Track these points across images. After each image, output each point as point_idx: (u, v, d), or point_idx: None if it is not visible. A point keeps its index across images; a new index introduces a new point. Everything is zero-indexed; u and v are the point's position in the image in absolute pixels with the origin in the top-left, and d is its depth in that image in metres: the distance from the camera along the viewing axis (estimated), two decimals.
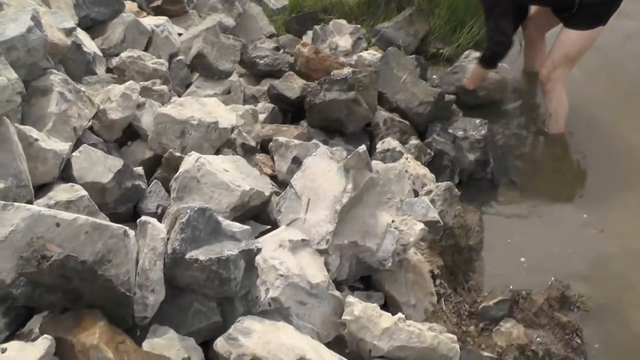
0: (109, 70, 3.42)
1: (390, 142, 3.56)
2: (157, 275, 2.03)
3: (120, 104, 2.86)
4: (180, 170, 2.58)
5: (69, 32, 3.07)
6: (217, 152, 2.95)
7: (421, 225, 2.79)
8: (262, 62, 4.27)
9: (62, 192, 2.32)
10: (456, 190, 3.36)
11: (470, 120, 4.18)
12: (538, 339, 3.16)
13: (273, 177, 3.09)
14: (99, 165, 2.53)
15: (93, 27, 3.67)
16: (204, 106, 2.99)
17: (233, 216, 2.50)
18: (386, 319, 2.39)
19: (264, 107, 3.81)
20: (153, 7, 4.40)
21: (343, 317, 2.37)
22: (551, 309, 3.31)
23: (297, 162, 3.01)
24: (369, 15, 5.34)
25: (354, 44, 4.77)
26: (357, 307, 2.37)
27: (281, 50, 4.64)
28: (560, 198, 4.07)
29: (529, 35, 4.74)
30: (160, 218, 2.44)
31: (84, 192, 2.31)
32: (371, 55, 4.43)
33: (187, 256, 2.02)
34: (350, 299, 2.42)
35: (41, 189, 2.34)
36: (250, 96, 4.02)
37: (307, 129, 3.63)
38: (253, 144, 3.26)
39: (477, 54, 4.61)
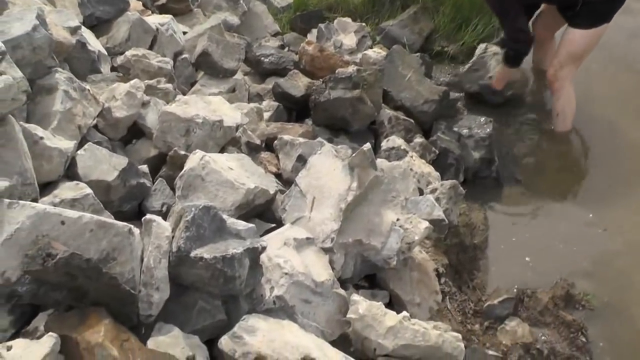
0: (113, 68, 3.42)
1: (395, 141, 3.56)
2: (161, 273, 2.04)
3: (125, 102, 2.86)
4: (185, 168, 2.58)
5: (73, 30, 3.08)
6: (222, 150, 2.95)
7: (426, 224, 2.79)
8: (266, 60, 4.27)
9: (67, 190, 2.32)
10: (461, 188, 3.35)
11: (475, 119, 4.18)
12: (543, 338, 3.15)
13: (278, 176, 3.09)
14: (103, 163, 2.53)
15: (98, 25, 3.67)
16: (209, 104, 2.99)
17: (238, 214, 2.50)
18: (391, 318, 2.39)
19: (269, 105, 3.80)
20: (158, 6, 4.40)
21: (348, 316, 2.37)
22: (556, 307, 3.30)
23: (302, 160, 3.01)
24: (374, 14, 5.34)
25: (359, 42, 4.77)
26: (362, 305, 2.37)
27: (286, 49, 4.64)
28: (565, 197, 4.06)
29: (539, 35, 4.72)
30: (165, 216, 2.44)
31: (88, 190, 2.31)
32: (376, 53, 4.43)
33: (192, 254, 2.02)
34: (355, 297, 2.42)
35: (46, 187, 2.34)
36: (255, 94, 4.02)
37: (311, 127, 3.62)
38: (258, 142, 3.26)
39: (494, 48, 4.59)
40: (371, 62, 4.31)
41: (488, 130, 4.04)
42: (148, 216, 2.15)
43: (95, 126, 2.80)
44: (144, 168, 2.73)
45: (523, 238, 3.72)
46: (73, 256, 1.81)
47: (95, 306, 1.92)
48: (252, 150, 3.19)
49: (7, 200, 1.94)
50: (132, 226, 2.07)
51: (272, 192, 2.69)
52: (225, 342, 2.03)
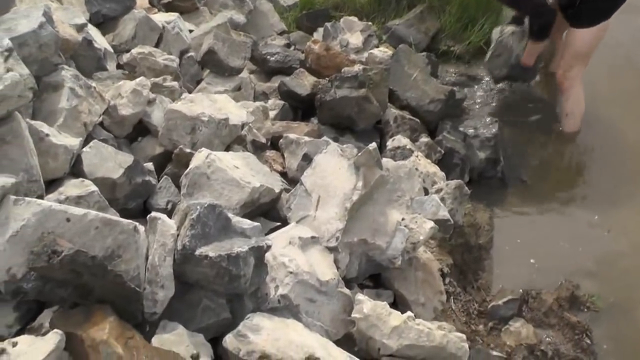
0: (119, 66, 3.42)
1: (400, 140, 3.55)
2: (166, 271, 2.04)
3: (130, 100, 2.86)
4: (190, 166, 2.58)
5: (80, 28, 3.08)
6: (228, 148, 2.95)
7: (431, 224, 2.79)
8: (272, 58, 4.26)
9: (72, 187, 2.32)
10: (466, 188, 3.35)
11: (480, 118, 4.17)
12: (547, 339, 3.15)
13: (283, 174, 3.09)
14: (109, 160, 2.53)
15: (104, 23, 3.67)
16: (215, 103, 2.99)
17: (243, 213, 2.50)
18: (395, 318, 2.39)
19: (275, 103, 3.80)
20: (164, 4, 4.39)
21: (352, 315, 2.37)
22: (561, 308, 3.29)
23: (307, 159, 3.00)
24: (380, 13, 5.33)
25: (365, 41, 4.77)
26: (367, 305, 2.37)
27: (292, 47, 4.64)
28: (570, 197, 4.05)
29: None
30: (170, 214, 2.44)
31: (94, 188, 2.31)
32: (382, 52, 4.43)
33: (197, 252, 2.02)
34: (360, 297, 2.42)
35: (52, 184, 2.34)
36: (261, 93, 4.02)
37: (317, 126, 3.62)
38: (263, 140, 3.26)
39: (510, 28, 4.56)
40: (377, 61, 4.30)
41: (494, 130, 4.04)
42: (153, 214, 2.15)
43: (101, 124, 2.80)
44: (150, 166, 2.73)
45: (528, 239, 3.71)
46: (78, 253, 1.81)
47: (100, 303, 1.92)
48: (258, 148, 3.19)
49: (13, 197, 1.95)
50: (137, 224, 2.07)
51: (277, 190, 2.69)
52: (229, 341, 2.03)
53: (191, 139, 2.83)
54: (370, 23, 5.00)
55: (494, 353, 2.94)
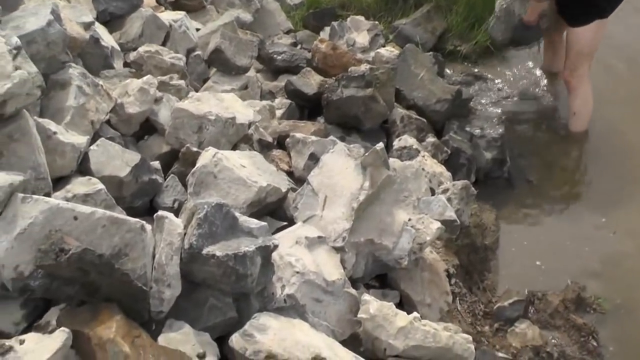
0: (126, 64, 3.42)
1: (407, 140, 3.55)
2: (173, 270, 2.04)
3: (137, 98, 2.86)
4: (197, 165, 2.58)
5: (87, 26, 3.08)
6: (234, 147, 2.94)
7: (438, 224, 2.79)
8: (279, 57, 4.26)
9: (79, 185, 2.32)
10: (473, 189, 3.34)
11: (487, 119, 4.17)
12: (553, 341, 3.15)
13: (289, 174, 3.08)
14: (116, 159, 2.53)
15: (111, 21, 3.67)
16: (222, 101, 2.99)
17: (249, 212, 2.50)
18: (402, 318, 2.38)
19: (281, 103, 3.80)
20: (171, 2, 4.40)
21: (358, 315, 2.36)
22: (567, 310, 3.29)
23: (314, 158, 3.00)
24: (387, 12, 5.32)
25: (372, 41, 4.76)
26: (373, 305, 2.37)
27: (298, 46, 4.63)
28: (576, 198, 4.05)
29: (548, 36, 4.72)
30: (176, 212, 2.44)
31: (101, 186, 2.32)
32: (389, 52, 4.42)
33: (204, 251, 2.02)
34: (366, 297, 2.41)
35: (59, 182, 2.34)
36: (268, 92, 4.01)
37: (324, 126, 3.61)
38: (270, 139, 3.25)
39: None
40: (384, 60, 4.29)
41: (500, 130, 4.04)
42: (160, 213, 2.15)
43: (108, 122, 2.80)
44: (156, 164, 2.73)
45: (534, 240, 3.71)
46: (86, 251, 1.81)
47: (107, 302, 1.92)
48: (264, 147, 3.19)
49: (20, 195, 1.95)
50: (144, 222, 2.07)
51: (284, 190, 2.68)
52: (236, 340, 2.03)
53: (198, 138, 2.83)
54: (377, 22, 4.99)
55: (500, 354, 2.94)
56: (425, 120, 3.91)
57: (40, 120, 2.33)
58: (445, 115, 4.05)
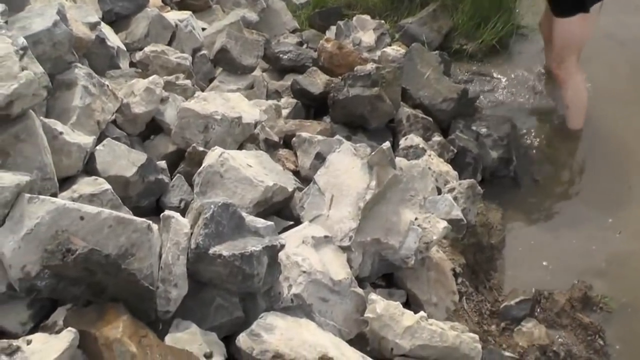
0: (132, 64, 3.42)
1: (413, 139, 3.54)
2: (180, 270, 2.04)
3: (143, 98, 2.86)
4: (203, 165, 2.58)
5: (93, 26, 3.08)
6: (240, 147, 2.94)
7: (444, 223, 2.78)
8: (285, 57, 4.25)
9: (85, 185, 2.32)
10: (479, 188, 3.33)
11: (493, 117, 4.15)
12: (560, 340, 3.14)
13: (296, 173, 3.08)
14: (122, 158, 2.53)
15: (117, 21, 3.67)
16: (228, 101, 2.99)
17: (256, 212, 2.50)
18: (408, 318, 2.38)
19: (287, 102, 3.80)
20: (177, 2, 4.39)
21: (365, 315, 2.36)
22: (573, 309, 3.28)
23: (320, 158, 2.99)
24: (393, 11, 5.31)
25: (378, 40, 4.75)
26: (380, 305, 2.37)
27: (304, 46, 4.62)
28: (583, 198, 4.03)
29: (545, 33, 4.71)
30: (183, 212, 2.44)
31: (107, 186, 2.32)
32: (395, 51, 4.42)
33: (211, 251, 2.02)
34: (373, 296, 2.41)
35: (65, 182, 2.34)
36: (274, 91, 4.01)
37: (330, 125, 3.61)
38: (276, 139, 3.25)
39: None
40: (390, 59, 4.29)
41: (506, 129, 4.03)
42: (167, 212, 2.15)
43: (114, 122, 2.80)
44: (162, 164, 2.73)
45: (540, 239, 3.71)
46: (92, 252, 1.82)
47: (113, 302, 1.92)
48: (270, 147, 3.19)
49: (27, 195, 1.95)
50: (150, 222, 2.07)
51: (290, 189, 2.68)
52: (243, 340, 2.03)
53: (204, 138, 2.83)
54: (382, 21, 4.97)
55: (506, 354, 2.94)
56: (431, 119, 3.90)
57: (46, 120, 2.33)
58: (451, 114, 4.04)
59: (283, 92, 4.01)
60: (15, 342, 1.75)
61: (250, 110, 3.00)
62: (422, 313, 2.44)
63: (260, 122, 3.07)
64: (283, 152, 3.22)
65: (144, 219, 2.06)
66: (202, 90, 3.41)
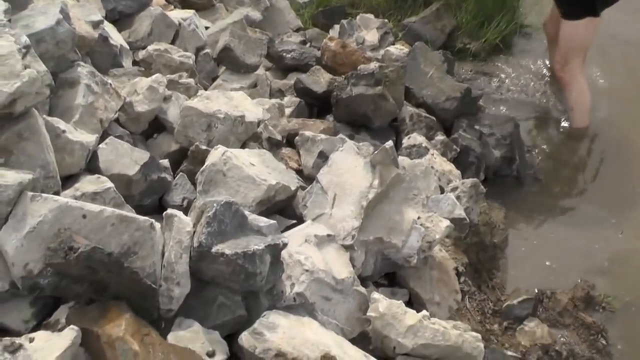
0: (135, 63, 3.42)
1: (416, 138, 3.54)
2: (182, 268, 2.04)
3: (146, 96, 2.86)
4: (206, 163, 2.58)
5: (96, 24, 3.08)
6: (243, 145, 2.94)
7: (447, 223, 2.78)
8: (288, 56, 4.25)
9: (88, 183, 2.32)
10: (482, 187, 3.33)
11: (496, 117, 4.15)
12: (562, 339, 3.14)
13: (299, 172, 3.08)
14: (125, 157, 2.53)
15: (120, 20, 3.67)
16: (231, 100, 2.99)
17: (259, 210, 2.50)
18: (411, 317, 2.38)
19: (290, 101, 3.79)
20: (180, 1, 4.39)
21: (368, 314, 2.36)
22: (576, 309, 3.28)
23: (323, 156, 2.99)
24: (396, 10, 5.31)
25: (381, 39, 4.75)
26: (382, 303, 2.36)
27: (308, 44, 4.62)
28: (585, 197, 4.04)
29: (550, 33, 4.71)
30: (185, 211, 2.45)
31: (110, 184, 2.31)
32: (398, 50, 4.41)
33: (213, 250, 2.02)
34: (376, 295, 2.41)
35: (67, 180, 2.34)
36: (277, 90, 4.01)
37: (333, 124, 3.60)
38: (279, 138, 3.25)
39: None
40: (393, 58, 4.28)
41: (509, 128, 4.02)
42: (169, 211, 2.15)
43: (117, 120, 2.80)
44: (165, 162, 2.73)
45: (543, 238, 3.71)
46: (95, 250, 1.82)
47: (116, 300, 1.92)
48: (273, 146, 3.19)
49: (30, 193, 1.95)
50: (153, 221, 2.07)
51: (293, 188, 2.68)
52: (245, 338, 2.03)
53: (207, 136, 2.83)
54: (386, 20, 4.98)
55: (509, 353, 2.93)
56: (434, 118, 3.90)
57: (49, 118, 2.33)
58: (454, 113, 4.03)
59: (286, 90, 4.01)
60: (17, 340, 1.75)
61: (253, 109, 3.00)
62: (424, 312, 2.44)
63: (263, 120, 3.07)
64: (286, 150, 3.22)
65: (146, 218, 2.06)
66: (205, 89, 3.42)
